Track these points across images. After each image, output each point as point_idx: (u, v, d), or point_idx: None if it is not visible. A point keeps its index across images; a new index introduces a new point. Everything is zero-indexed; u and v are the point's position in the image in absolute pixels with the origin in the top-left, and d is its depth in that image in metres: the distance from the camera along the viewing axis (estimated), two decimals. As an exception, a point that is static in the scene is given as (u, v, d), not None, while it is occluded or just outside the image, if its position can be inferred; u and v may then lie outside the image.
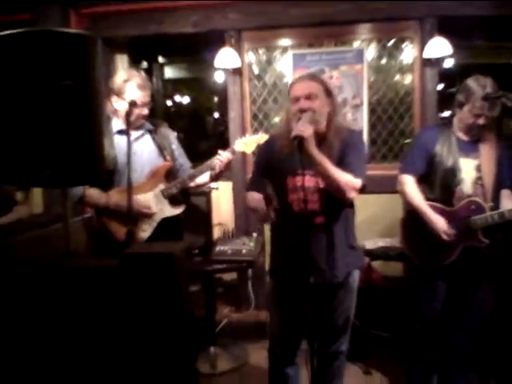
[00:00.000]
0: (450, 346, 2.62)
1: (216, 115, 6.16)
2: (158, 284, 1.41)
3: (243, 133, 3.69)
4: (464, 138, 2.50)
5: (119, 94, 2.60)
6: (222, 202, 3.87)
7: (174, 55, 5.23)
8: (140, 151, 2.68)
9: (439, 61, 3.55)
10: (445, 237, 2.43)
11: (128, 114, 2.45)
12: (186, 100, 6.24)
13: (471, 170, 2.47)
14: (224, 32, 3.64)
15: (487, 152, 2.48)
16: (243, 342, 3.47)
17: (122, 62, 4.07)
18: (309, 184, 2.10)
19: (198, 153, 2.93)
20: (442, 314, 2.58)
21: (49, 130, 1.43)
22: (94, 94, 1.53)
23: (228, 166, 2.75)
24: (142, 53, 4.70)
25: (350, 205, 2.25)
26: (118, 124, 2.66)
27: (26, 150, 1.39)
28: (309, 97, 2.09)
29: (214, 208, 3.62)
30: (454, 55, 3.77)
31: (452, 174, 2.46)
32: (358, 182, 2.08)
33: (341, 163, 2.08)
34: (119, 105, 2.63)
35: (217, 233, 3.69)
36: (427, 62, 3.53)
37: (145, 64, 5.01)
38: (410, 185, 2.53)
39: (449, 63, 4.46)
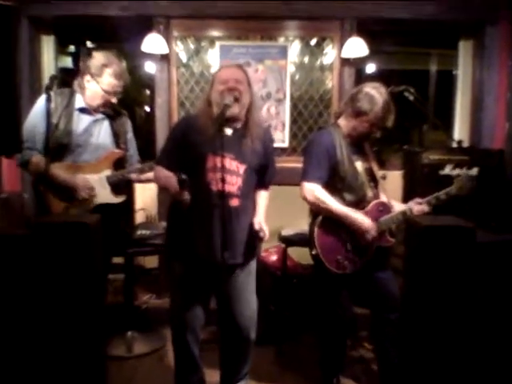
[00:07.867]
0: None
1: (148, 109, 6.06)
2: (71, 253, 1.44)
3: (170, 120, 3.75)
4: (350, 141, 2.53)
5: (94, 75, 2.66)
6: (146, 186, 3.87)
7: (103, 41, 5.11)
8: (97, 133, 2.75)
9: (357, 61, 3.75)
10: (368, 237, 2.43)
11: None
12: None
13: (364, 174, 2.53)
14: (152, 18, 3.66)
15: (369, 154, 2.59)
16: (162, 327, 3.47)
17: (48, 43, 3.95)
18: (229, 166, 2.18)
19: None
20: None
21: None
22: (15, 67, 1.54)
23: None
24: (70, 36, 4.58)
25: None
26: (80, 101, 2.72)
27: None
28: (237, 80, 2.23)
29: (138, 193, 3.63)
30: (374, 60, 3.96)
31: (355, 178, 2.48)
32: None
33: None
34: (90, 85, 2.69)
35: (140, 218, 3.71)
36: (345, 62, 3.73)
37: (72, 48, 4.89)
38: (321, 192, 2.43)
39: (370, 68, 4.70)
